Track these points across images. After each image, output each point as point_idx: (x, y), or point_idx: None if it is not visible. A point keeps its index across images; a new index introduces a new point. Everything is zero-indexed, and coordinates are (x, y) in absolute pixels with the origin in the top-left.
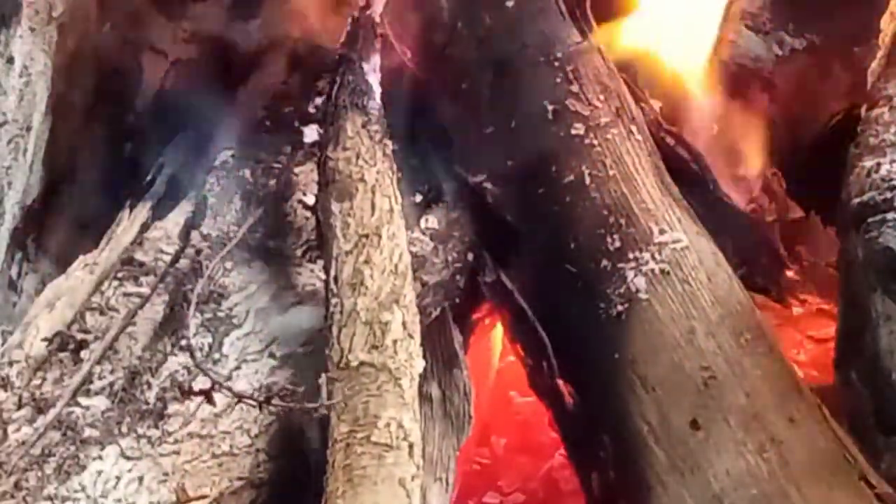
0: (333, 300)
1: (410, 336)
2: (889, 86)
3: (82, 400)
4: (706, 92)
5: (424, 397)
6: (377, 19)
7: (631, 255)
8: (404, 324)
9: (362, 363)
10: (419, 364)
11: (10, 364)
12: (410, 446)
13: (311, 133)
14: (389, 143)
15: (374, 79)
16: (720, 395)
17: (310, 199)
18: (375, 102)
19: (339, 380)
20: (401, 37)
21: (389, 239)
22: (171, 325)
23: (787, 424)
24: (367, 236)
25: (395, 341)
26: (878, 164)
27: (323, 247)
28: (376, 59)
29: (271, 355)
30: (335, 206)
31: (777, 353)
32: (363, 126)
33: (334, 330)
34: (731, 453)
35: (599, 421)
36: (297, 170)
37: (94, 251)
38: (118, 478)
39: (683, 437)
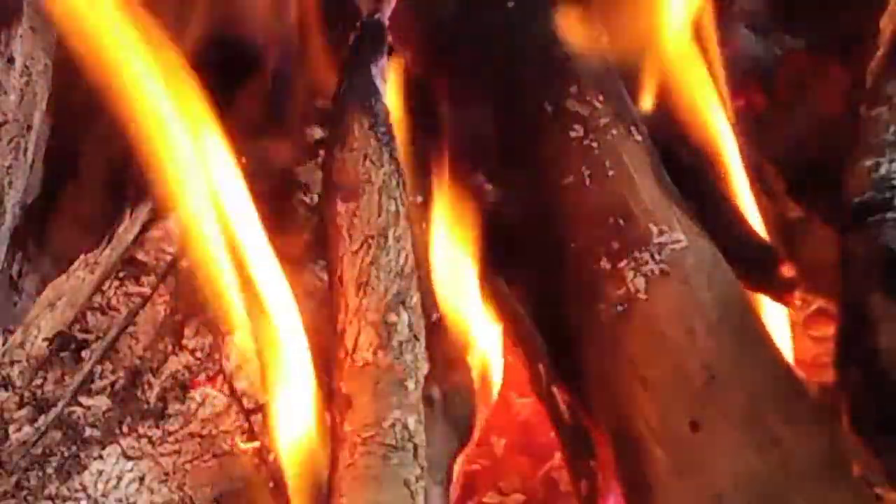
0: (339, 300)
1: (416, 338)
2: (888, 85)
3: (83, 399)
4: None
5: (426, 399)
6: (385, 23)
7: (630, 256)
8: (410, 325)
9: (367, 364)
10: (424, 366)
11: (12, 364)
12: (415, 447)
13: (312, 133)
14: (396, 145)
15: (380, 81)
16: (720, 395)
17: (311, 199)
18: (382, 104)
19: (344, 380)
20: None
21: (396, 241)
22: (171, 325)
23: (787, 424)
24: (373, 237)
25: (400, 343)
26: (878, 164)
27: (327, 247)
28: (383, 62)
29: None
30: (341, 207)
31: (777, 353)
32: (370, 128)
33: (338, 330)
34: (732, 454)
35: (599, 422)
36: (297, 169)
37: (96, 250)
38: (119, 477)
39: (683, 437)
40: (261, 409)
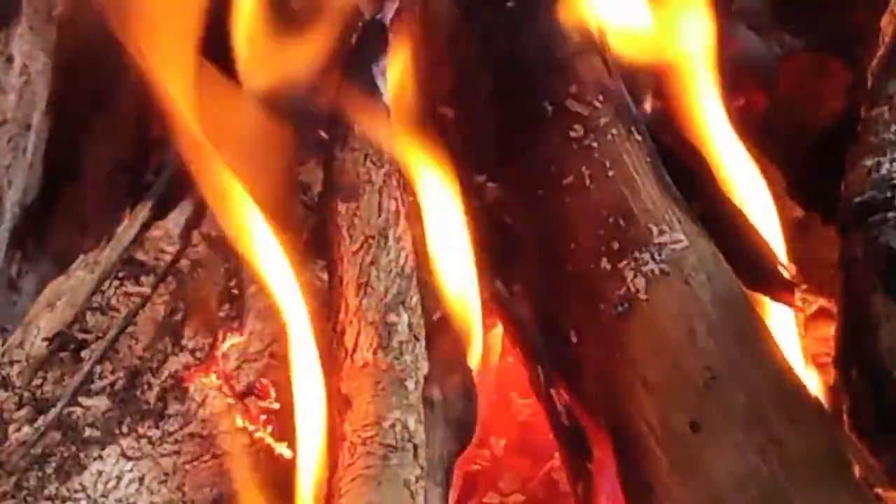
0: (338, 300)
1: (416, 338)
2: (889, 85)
3: (83, 400)
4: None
5: (426, 401)
6: (387, 23)
7: (630, 256)
8: (410, 326)
9: (367, 364)
10: (424, 366)
11: (11, 364)
12: (415, 448)
13: (312, 133)
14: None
15: (381, 81)
16: (720, 396)
17: (311, 199)
18: (383, 104)
19: (343, 380)
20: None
21: (396, 241)
22: (171, 325)
23: (787, 424)
24: (373, 237)
25: (400, 343)
26: (879, 163)
27: (327, 247)
28: (385, 62)
29: (272, 355)
30: (342, 207)
31: (777, 353)
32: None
33: (338, 330)
34: (732, 454)
35: (599, 422)
36: (297, 169)
37: (95, 250)
38: (119, 478)
39: (684, 437)
40: (252, 391)
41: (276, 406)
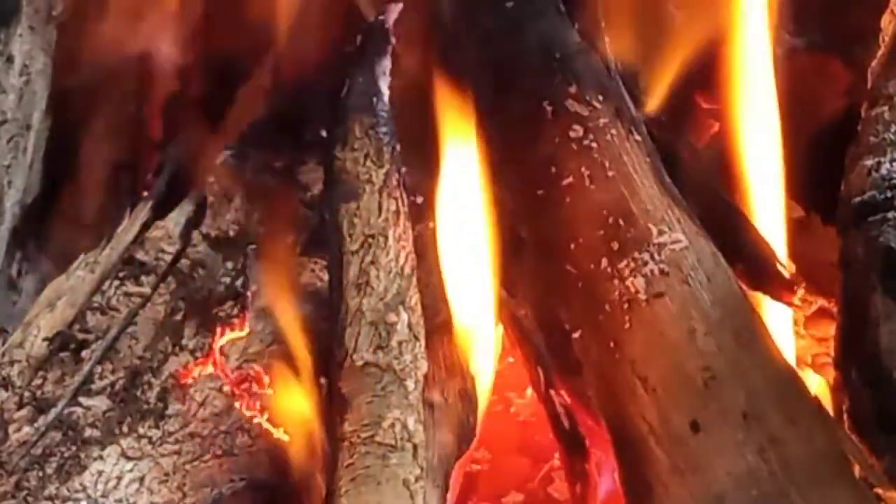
0: (338, 300)
1: (416, 338)
2: (889, 85)
3: (83, 400)
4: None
5: (426, 403)
6: (389, 25)
7: (630, 256)
8: (410, 325)
9: (367, 363)
10: (424, 366)
11: (11, 364)
12: (415, 447)
13: (312, 132)
14: (397, 145)
15: (383, 82)
16: (720, 396)
17: (310, 199)
18: (384, 104)
19: (343, 380)
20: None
21: (396, 240)
22: (171, 325)
23: (787, 424)
24: (373, 237)
25: (400, 342)
26: (879, 163)
27: (327, 247)
28: (386, 63)
29: (272, 355)
30: (342, 207)
31: (777, 353)
32: (371, 127)
33: (338, 330)
34: (732, 454)
35: (600, 422)
36: (297, 169)
37: (95, 250)
38: (119, 478)
39: (684, 437)
40: (248, 378)
41: (270, 392)
